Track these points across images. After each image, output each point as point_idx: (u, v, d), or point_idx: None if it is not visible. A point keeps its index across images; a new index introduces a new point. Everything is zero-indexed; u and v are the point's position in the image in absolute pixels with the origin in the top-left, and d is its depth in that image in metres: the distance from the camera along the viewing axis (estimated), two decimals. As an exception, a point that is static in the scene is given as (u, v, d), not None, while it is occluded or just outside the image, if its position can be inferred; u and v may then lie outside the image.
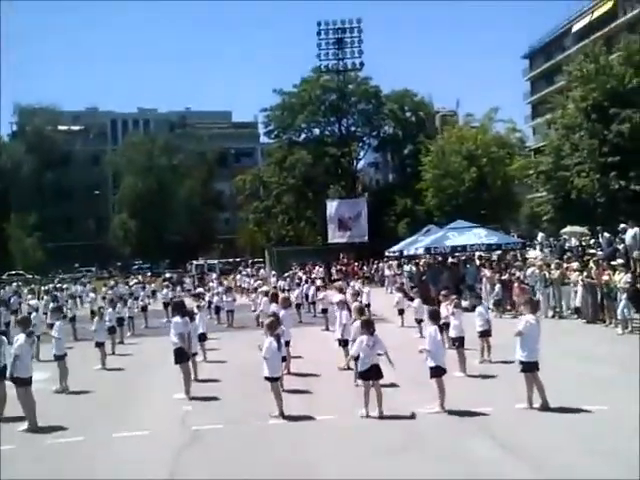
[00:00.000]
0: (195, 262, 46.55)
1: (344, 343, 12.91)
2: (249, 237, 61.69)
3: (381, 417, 9.10)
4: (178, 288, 33.24)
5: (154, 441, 8.71)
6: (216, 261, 47.91)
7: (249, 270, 40.19)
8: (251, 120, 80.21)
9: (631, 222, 21.75)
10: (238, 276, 36.63)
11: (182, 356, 11.05)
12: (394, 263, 37.08)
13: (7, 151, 70.23)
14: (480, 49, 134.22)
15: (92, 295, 25.38)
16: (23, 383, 9.83)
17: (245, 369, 13.54)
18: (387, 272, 36.83)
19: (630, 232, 21.20)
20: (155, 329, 22.37)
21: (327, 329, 19.00)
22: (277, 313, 11.66)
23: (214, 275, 38.13)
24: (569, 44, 58.21)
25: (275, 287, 25.62)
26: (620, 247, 21.57)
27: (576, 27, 56.83)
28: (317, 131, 55.54)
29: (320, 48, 48.04)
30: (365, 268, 39.61)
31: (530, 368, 9.21)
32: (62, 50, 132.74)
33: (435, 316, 9.78)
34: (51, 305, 20.14)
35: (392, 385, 9.52)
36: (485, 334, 12.75)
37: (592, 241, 25.70)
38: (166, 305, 25.54)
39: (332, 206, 44.78)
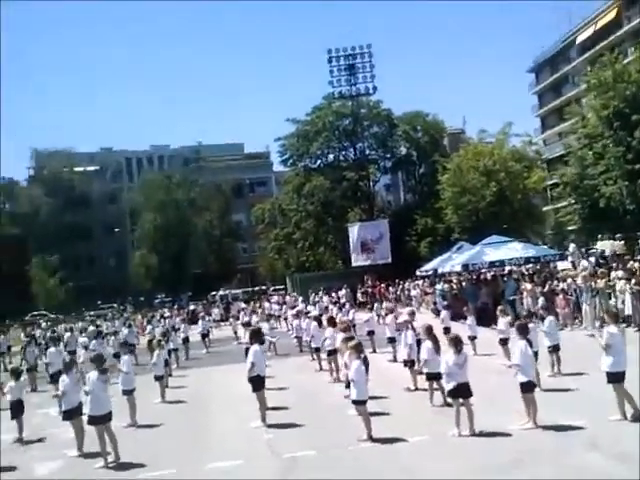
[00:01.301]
0: (220, 292, 46.49)
1: (411, 364, 12.80)
2: (269, 265, 61.70)
3: (473, 435, 8.92)
4: (208, 318, 33.32)
5: (254, 470, 8.55)
6: (240, 291, 47.75)
7: (276, 298, 40.10)
8: (263, 150, 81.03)
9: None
10: (267, 304, 36.52)
11: (259, 384, 10.92)
12: (420, 282, 36.91)
13: (26, 196, 71.60)
14: (483, 67, 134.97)
15: (125, 331, 25.35)
16: (100, 420, 9.77)
17: (308, 394, 13.49)
18: (413, 292, 36.70)
19: (672, 238, 21.05)
20: (196, 360, 22.45)
21: (374, 351, 18.86)
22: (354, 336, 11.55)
23: (242, 305, 38.04)
24: (574, 55, 58.45)
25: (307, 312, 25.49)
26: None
27: (580, 38, 56.97)
28: (332, 157, 55.81)
29: (332, 75, 48.33)
30: (391, 289, 39.37)
31: (617, 379, 9.06)
32: (71, 92, 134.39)
33: (524, 330, 9.54)
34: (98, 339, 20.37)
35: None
36: (555, 348, 12.62)
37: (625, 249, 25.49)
38: (203, 337, 25.66)
39: (354, 230, 44.73)
